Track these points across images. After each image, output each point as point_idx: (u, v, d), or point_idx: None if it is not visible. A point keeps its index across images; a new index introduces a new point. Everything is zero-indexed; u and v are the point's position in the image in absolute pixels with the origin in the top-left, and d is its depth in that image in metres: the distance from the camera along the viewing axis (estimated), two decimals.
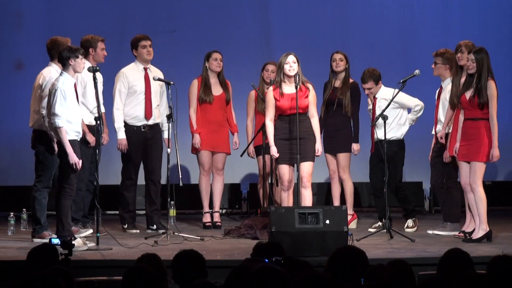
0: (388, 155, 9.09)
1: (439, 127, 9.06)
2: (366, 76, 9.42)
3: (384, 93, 9.38)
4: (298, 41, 11.71)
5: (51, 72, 8.48)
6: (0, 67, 11.72)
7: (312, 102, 8.57)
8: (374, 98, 9.42)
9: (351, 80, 9.63)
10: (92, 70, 8.35)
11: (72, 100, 8.04)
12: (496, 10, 11.98)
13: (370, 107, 9.54)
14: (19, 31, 11.70)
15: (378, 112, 9.13)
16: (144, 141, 9.44)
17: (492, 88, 8.19)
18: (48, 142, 8.35)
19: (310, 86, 8.57)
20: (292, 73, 8.49)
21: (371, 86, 9.40)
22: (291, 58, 8.49)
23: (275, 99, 8.53)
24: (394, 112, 9.37)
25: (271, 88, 8.66)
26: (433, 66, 9.19)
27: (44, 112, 8.22)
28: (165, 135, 9.16)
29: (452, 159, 8.84)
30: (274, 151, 8.56)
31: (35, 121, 8.55)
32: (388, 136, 9.11)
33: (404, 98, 9.38)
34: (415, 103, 9.43)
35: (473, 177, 8.25)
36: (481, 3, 11.99)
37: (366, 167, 9.63)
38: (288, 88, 8.57)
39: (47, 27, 11.63)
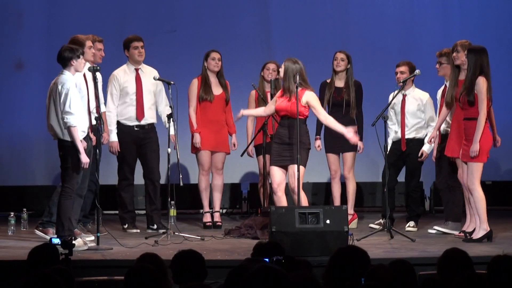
0: (413, 153, 9.23)
1: (443, 126, 9.05)
2: (401, 61, 9.45)
3: (415, 93, 9.39)
4: (298, 41, 11.72)
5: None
6: (0, 67, 11.72)
7: (312, 102, 8.47)
8: (404, 95, 9.39)
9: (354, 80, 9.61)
10: (92, 69, 8.35)
11: (78, 99, 8.02)
12: (496, 10, 11.97)
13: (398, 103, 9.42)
14: (19, 30, 11.69)
15: (406, 109, 9.32)
16: (137, 141, 9.43)
17: (479, 84, 8.12)
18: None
19: (305, 93, 8.41)
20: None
21: (405, 70, 9.38)
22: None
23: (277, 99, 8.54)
24: (421, 113, 9.39)
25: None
26: (437, 66, 9.17)
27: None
28: (171, 132, 9.09)
29: (450, 159, 8.84)
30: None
31: None
32: (415, 135, 9.37)
33: (431, 105, 9.41)
34: (431, 119, 9.36)
35: (470, 178, 8.24)
36: (481, 3, 11.98)
37: (367, 167, 9.64)
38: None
39: (47, 27, 11.64)
